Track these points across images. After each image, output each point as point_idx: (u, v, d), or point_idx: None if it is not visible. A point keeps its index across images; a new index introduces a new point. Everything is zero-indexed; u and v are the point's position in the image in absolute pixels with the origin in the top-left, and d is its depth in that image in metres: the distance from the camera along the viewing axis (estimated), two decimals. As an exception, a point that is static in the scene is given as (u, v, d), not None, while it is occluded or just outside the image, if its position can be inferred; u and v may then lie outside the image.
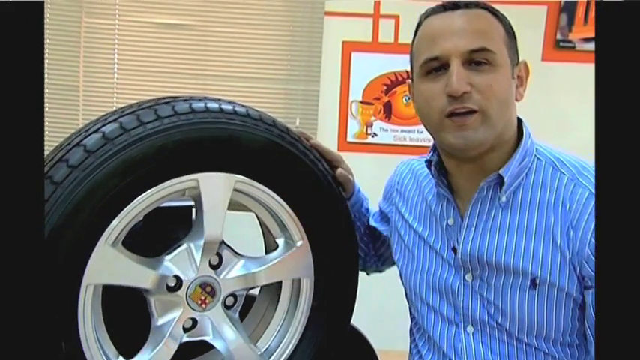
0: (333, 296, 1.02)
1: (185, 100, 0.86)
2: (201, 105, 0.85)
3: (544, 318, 0.87)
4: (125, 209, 0.80)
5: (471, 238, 0.92)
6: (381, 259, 1.25)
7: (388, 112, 2.65)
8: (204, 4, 2.59)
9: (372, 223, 1.21)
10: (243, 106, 0.91)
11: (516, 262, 0.87)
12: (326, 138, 2.61)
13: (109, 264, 0.81)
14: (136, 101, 0.88)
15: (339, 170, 1.04)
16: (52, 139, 2.43)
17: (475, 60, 0.84)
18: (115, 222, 0.79)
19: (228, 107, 0.88)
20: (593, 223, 0.81)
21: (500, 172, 0.88)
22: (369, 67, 2.63)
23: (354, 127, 2.66)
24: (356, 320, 1.09)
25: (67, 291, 0.78)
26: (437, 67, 0.87)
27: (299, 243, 0.97)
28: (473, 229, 0.92)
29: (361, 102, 2.65)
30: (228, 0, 2.60)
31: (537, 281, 0.86)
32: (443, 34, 0.86)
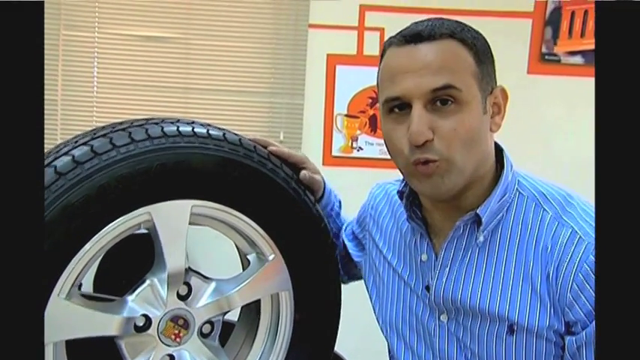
0: (316, 307, 0.98)
1: (124, 130, 0.80)
2: (141, 133, 0.79)
3: None
4: (74, 258, 0.74)
5: (444, 280, 0.87)
6: (347, 275, 1.19)
7: (374, 125, 2.62)
8: (186, 17, 2.55)
9: (343, 237, 1.16)
10: (188, 123, 0.86)
11: (492, 307, 0.82)
12: (311, 152, 2.57)
13: (66, 318, 0.74)
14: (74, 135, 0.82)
15: (303, 172, 0.99)
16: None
17: (440, 98, 0.78)
18: (65, 273, 0.74)
19: (171, 129, 0.82)
20: (575, 267, 0.76)
21: (478, 211, 0.83)
22: (354, 80, 2.59)
23: (339, 141, 2.62)
24: (337, 344, 1.05)
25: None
26: (399, 105, 0.81)
27: (271, 257, 0.93)
28: (447, 269, 0.87)
29: (346, 115, 2.62)
30: (210, 12, 2.55)
31: (515, 328, 0.81)
32: (403, 72, 0.80)
